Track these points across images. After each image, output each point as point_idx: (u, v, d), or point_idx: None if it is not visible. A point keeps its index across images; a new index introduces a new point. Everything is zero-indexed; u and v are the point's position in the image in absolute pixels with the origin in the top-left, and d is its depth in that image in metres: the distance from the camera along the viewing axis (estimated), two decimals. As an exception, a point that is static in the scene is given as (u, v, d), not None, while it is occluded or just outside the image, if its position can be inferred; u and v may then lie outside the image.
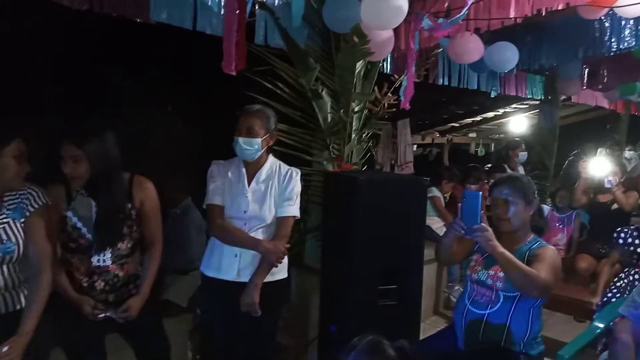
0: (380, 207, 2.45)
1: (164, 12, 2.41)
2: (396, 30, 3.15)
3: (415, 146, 8.75)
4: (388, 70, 3.69)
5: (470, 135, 9.34)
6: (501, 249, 1.95)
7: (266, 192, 2.34)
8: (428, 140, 8.41)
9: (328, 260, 2.80)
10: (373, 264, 2.45)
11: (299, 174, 2.44)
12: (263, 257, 2.29)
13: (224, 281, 2.32)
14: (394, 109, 3.48)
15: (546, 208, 4.97)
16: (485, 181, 4.95)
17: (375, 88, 3.31)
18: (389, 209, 2.46)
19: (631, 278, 3.33)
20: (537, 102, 6.14)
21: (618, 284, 3.41)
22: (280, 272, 2.40)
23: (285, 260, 2.42)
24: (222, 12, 2.53)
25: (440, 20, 2.88)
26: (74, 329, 2.02)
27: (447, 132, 8.56)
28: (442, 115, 7.69)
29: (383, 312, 2.47)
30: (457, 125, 8.30)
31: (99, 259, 2.02)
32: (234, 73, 2.23)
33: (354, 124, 3.13)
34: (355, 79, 2.99)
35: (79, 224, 2.00)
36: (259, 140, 2.29)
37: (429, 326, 3.82)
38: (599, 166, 4.70)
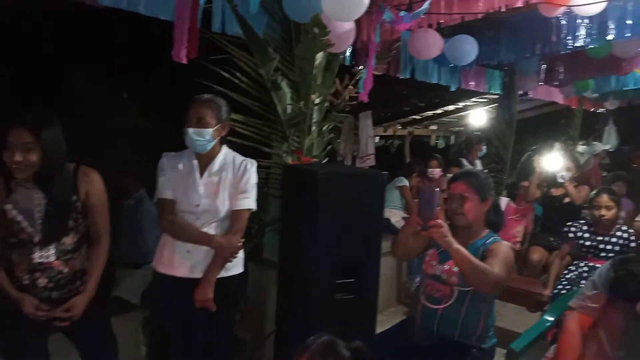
0: (339, 201, 2.43)
1: (113, -6, 2.29)
2: (358, 22, 3.12)
3: (377, 138, 8.78)
4: (350, 62, 3.66)
5: (431, 127, 9.43)
6: (456, 245, 1.97)
7: (219, 184, 2.26)
8: (390, 132, 8.45)
9: (286, 254, 2.77)
10: (331, 257, 2.43)
11: (255, 165, 2.36)
12: (216, 252, 2.23)
13: (177, 278, 2.24)
14: (356, 102, 3.45)
15: (504, 200, 5.09)
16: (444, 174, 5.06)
17: (337, 80, 3.27)
18: (348, 202, 2.44)
19: (580, 270, 3.45)
20: (496, 97, 6.26)
21: (568, 276, 3.52)
22: (236, 266, 2.35)
23: (241, 254, 2.37)
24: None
25: (402, 13, 2.87)
26: (14, 329, 1.92)
27: (408, 124, 8.61)
28: (404, 108, 7.72)
29: (340, 305, 2.46)
30: (418, 117, 8.36)
31: (41, 255, 1.91)
32: (184, 61, 2.15)
33: (314, 116, 3.08)
34: (315, 71, 2.94)
35: (19, 217, 1.89)
36: (210, 130, 2.20)
37: (387, 318, 3.85)
38: (553, 161, 4.84)
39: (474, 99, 7.43)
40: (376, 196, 2.57)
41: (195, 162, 2.28)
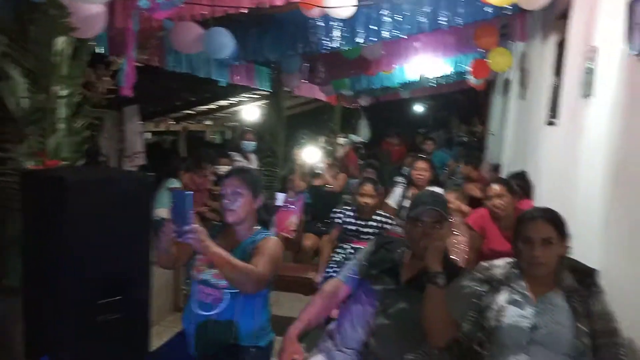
0: (96, 210, 2.12)
1: None
2: (112, 6, 2.79)
3: (150, 134, 8.27)
4: (105, 51, 3.27)
5: (206, 123, 9.33)
6: (214, 249, 1.89)
7: None
8: (162, 127, 8.03)
9: (31, 279, 2.31)
10: (90, 276, 2.11)
11: None
12: None
13: None
14: (116, 95, 3.11)
15: (281, 196, 5.28)
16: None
17: (90, 70, 2.88)
18: (107, 211, 2.15)
19: (346, 253, 3.76)
20: (267, 93, 6.47)
21: (335, 258, 3.81)
22: None
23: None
24: None
25: (160, 0, 2.65)
26: None
27: (182, 119, 8.32)
28: (175, 102, 7.40)
29: (105, 328, 2.16)
30: (192, 112, 8.15)
31: None
32: None
33: (62, 111, 2.64)
34: (59, 59, 2.51)
35: None
36: None
37: (164, 329, 3.59)
38: (311, 153, 5.20)
39: (245, 95, 7.56)
40: (140, 202, 2.32)
41: None
